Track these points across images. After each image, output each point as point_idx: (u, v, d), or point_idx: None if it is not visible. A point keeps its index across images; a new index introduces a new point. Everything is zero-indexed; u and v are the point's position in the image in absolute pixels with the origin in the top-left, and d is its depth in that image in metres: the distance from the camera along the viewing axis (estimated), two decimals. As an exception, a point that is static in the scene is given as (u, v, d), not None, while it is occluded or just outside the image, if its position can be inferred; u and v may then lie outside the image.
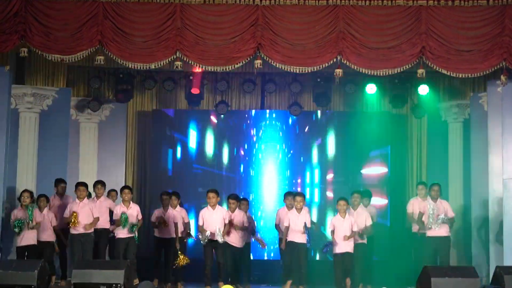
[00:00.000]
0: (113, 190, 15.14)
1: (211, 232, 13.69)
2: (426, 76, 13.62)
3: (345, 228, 13.65)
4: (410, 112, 17.22)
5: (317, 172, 17.20)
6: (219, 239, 13.66)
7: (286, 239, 13.83)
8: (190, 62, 13.25)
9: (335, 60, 13.18)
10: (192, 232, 15.45)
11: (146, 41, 13.19)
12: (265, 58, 13.18)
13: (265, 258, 16.60)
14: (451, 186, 16.31)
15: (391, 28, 13.18)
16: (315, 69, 13.33)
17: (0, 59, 13.77)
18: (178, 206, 14.77)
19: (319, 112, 17.38)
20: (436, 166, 16.75)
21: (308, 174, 17.23)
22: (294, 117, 17.10)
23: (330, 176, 17.21)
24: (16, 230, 13.53)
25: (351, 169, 17.19)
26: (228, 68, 13.38)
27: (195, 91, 16.57)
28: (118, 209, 13.97)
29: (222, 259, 13.82)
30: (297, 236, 13.74)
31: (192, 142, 17.22)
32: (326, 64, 13.24)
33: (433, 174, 16.56)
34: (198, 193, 16.93)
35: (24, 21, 12.98)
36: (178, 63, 13.21)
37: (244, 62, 13.27)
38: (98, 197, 14.32)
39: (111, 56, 13.19)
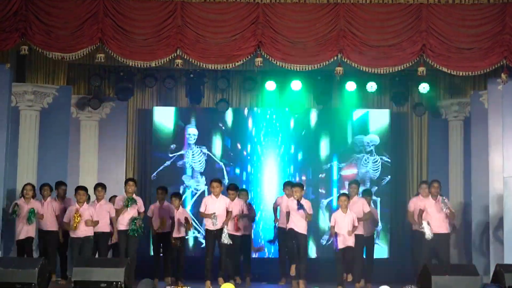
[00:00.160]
0: (115, 196, 15.13)
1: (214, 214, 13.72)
2: (427, 74, 13.65)
3: (346, 223, 13.66)
4: (411, 110, 17.21)
5: (317, 170, 17.19)
6: (226, 241, 13.65)
7: (287, 227, 13.84)
8: (190, 60, 13.25)
9: (335, 58, 13.18)
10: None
11: (147, 39, 13.20)
12: (265, 56, 13.19)
13: (266, 256, 16.58)
14: (452, 184, 16.32)
15: (392, 26, 13.18)
16: (316, 67, 13.32)
17: (0, 57, 13.79)
18: (180, 207, 14.77)
19: (319, 110, 17.36)
20: (437, 164, 16.76)
21: (308, 172, 17.21)
22: (295, 115, 17.09)
23: (330, 174, 17.21)
24: (15, 213, 13.59)
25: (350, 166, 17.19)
26: (229, 66, 13.39)
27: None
28: (121, 198, 13.95)
29: (225, 254, 13.81)
30: (297, 225, 13.73)
31: (193, 140, 17.20)
32: (327, 62, 13.25)
33: (434, 172, 16.57)
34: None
35: (25, 19, 12.98)
36: (179, 61, 13.21)
37: (244, 60, 13.27)
38: (98, 200, 14.20)
39: (112, 54, 13.20)
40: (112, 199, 14.79)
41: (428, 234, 13.47)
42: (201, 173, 17.19)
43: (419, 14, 13.07)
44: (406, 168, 17.34)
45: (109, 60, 13.67)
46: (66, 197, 14.70)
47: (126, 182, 14.20)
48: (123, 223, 13.84)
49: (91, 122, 16.86)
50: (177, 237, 14.58)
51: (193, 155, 17.18)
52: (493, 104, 14.40)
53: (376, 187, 16.84)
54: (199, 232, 16.65)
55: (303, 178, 17.05)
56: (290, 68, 13.33)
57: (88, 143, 16.74)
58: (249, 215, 14.96)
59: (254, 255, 15.71)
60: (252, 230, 15.45)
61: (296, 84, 16.59)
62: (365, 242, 14.34)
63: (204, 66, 13.42)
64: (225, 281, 13.38)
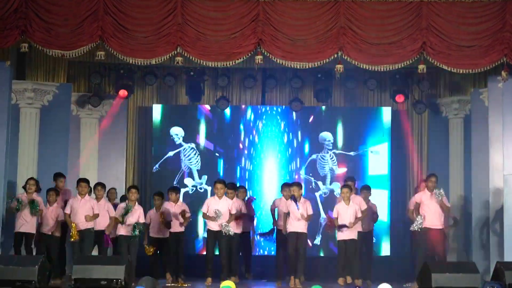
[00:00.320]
0: (113, 188, 15.12)
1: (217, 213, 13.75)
2: (427, 72, 13.66)
3: (349, 215, 13.71)
4: (411, 108, 17.21)
5: (317, 167, 17.18)
6: (226, 231, 13.68)
7: (287, 230, 13.86)
8: (191, 57, 13.25)
9: (336, 55, 13.18)
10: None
11: (147, 37, 13.19)
12: (266, 53, 13.18)
13: (265, 253, 16.58)
14: (452, 181, 16.32)
15: (392, 24, 13.18)
16: (316, 65, 13.32)
17: (1, 54, 13.79)
18: (179, 201, 14.76)
19: (319, 108, 17.36)
20: (437, 162, 16.75)
21: (308, 170, 17.21)
22: (295, 112, 17.10)
23: (330, 172, 17.20)
24: (18, 208, 13.56)
25: (351, 164, 17.17)
26: (229, 64, 13.37)
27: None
28: (123, 206, 13.93)
29: (226, 254, 13.81)
30: (297, 225, 13.77)
31: (193, 138, 17.20)
32: (327, 60, 13.24)
33: (434, 170, 16.54)
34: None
35: (25, 16, 12.97)
36: (179, 58, 13.21)
37: (245, 57, 13.27)
38: (98, 199, 14.19)
39: (112, 51, 13.19)
40: (110, 191, 14.86)
41: (415, 225, 13.48)
42: (200, 172, 17.18)
43: (419, 11, 13.06)
44: (406, 166, 17.34)
45: (109, 58, 13.67)
46: (64, 188, 14.70)
47: (128, 190, 14.18)
48: (123, 228, 13.81)
49: (91, 120, 16.85)
50: (176, 232, 14.54)
51: (185, 154, 17.15)
52: (493, 102, 14.41)
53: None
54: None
55: (296, 176, 17.05)
56: (290, 66, 13.32)
57: (88, 140, 16.74)
58: (248, 214, 14.98)
59: (255, 252, 15.74)
60: (252, 228, 15.45)
61: (296, 82, 16.62)
62: (363, 238, 14.34)
63: (204, 63, 13.41)
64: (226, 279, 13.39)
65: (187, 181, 17.07)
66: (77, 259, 12.55)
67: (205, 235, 15.22)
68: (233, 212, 14.01)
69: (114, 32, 13.09)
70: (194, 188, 17.04)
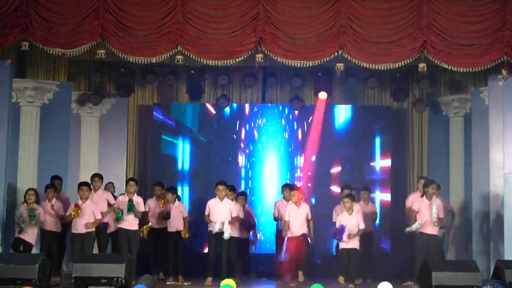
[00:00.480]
0: (110, 182, 15.13)
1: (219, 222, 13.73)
2: (427, 71, 13.65)
3: (351, 226, 13.69)
4: (411, 106, 17.21)
5: (318, 166, 17.19)
6: (226, 234, 13.69)
7: (287, 235, 13.89)
8: (191, 56, 13.25)
9: (336, 54, 13.17)
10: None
11: (147, 35, 13.17)
12: (266, 52, 13.17)
13: (266, 252, 16.58)
14: (452, 180, 16.32)
15: (392, 23, 13.16)
16: (316, 63, 13.31)
17: (1, 52, 13.76)
18: (176, 201, 14.76)
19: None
20: (437, 161, 16.76)
21: (308, 168, 17.22)
22: (295, 111, 17.11)
23: (332, 170, 17.21)
24: (21, 224, 13.53)
25: (352, 163, 17.18)
26: (229, 62, 13.36)
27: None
28: (121, 199, 13.96)
29: (227, 254, 13.82)
30: (297, 230, 13.81)
31: (193, 136, 17.21)
32: (328, 58, 13.23)
33: (434, 169, 16.59)
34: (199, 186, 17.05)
35: (26, 15, 12.95)
36: (180, 57, 13.19)
37: (245, 56, 13.25)
38: (95, 190, 14.27)
39: (112, 50, 13.18)
40: (108, 185, 14.93)
41: (413, 227, 13.50)
42: (200, 170, 17.20)
43: (419, 10, 13.05)
44: (407, 164, 17.34)
45: (110, 56, 13.64)
46: (62, 192, 14.68)
47: (127, 182, 14.21)
48: (124, 222, 13.82)
49: (91, 118, 16.86)
50: (173, 231, 14.55)
51: (189, 152, 17.20)
52: (493, 101, 14.41)
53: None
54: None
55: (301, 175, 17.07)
56: (291, 64, 13.31)
57: (88, 139, 16.75)
58: (248, 222, 14.99)
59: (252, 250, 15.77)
60: (250, 235, 15.43)
61: (296, 81, 16.63)
62: (363, 237, 14.34)
63: (204, 62, 13.40)
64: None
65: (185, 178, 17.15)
66: (78, 257, 12.57)
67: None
68: (234, 214, 14.00)
69: (115, 30, 13.08)
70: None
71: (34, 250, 13.80)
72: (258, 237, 15.97)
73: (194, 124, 17.29)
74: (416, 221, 13.65)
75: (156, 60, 13.32)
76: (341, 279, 13.75)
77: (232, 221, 13.92)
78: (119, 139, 16.89)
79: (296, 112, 17.19)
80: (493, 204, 14.44)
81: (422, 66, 13.24)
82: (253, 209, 15.91)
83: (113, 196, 14.62)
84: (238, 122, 17.36)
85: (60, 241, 14.31)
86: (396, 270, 15.29)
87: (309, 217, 14.00)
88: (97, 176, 14.46)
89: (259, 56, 13.18)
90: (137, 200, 13.92)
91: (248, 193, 16.21)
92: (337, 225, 13.84)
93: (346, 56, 13.14)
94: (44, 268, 12.11)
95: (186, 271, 14.89)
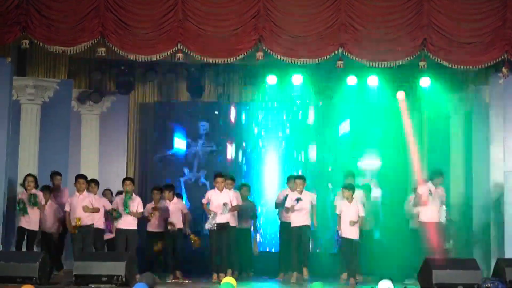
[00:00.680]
0: (108, 189, 15.10)
1: (216, 213, 13.71)
2: (428, 68, 13.63)
3: (351, 213, 13.77)
4: (412, 104, 17.19)
5: (318, 164, 17.20)
6: (224, 212, 13.70)
7: (291, 223, 13.92)
8: (191, 54, 13.24)
9: (337, 52, 13.16)
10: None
11: (148, 33, 13.17)
12: (266, 50, 13.16)
13: (266, 250, 16.57)
14: (453, 178, 16.30)
15: (393, 20, 13.16)
16: (317, 61, 13.30)
17: (1, 50, 13.75)
18: (175, 198, 14.75)
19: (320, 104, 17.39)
20: (438, 158, 16.75)
21: (308, 166, 17.23)
22: (295, 108, 17.11)
23: (331, 168, 17.23)
24: (21, 207, 13.54)
25: (352, 161, 17.19)
26: (230, 60, 13.36)
27: None
28: (119, 200, 13.99)
29: (227, 247, 13.80)
30: (299, 220, 13.81)
31: (193, 134, 17.21)
32: (328, 56, 13.22)
33: (435, 166, 16.56)
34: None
35: (26, 12, 12.95)
36: (180, 55, 13.19)
37: (245, 54, 13.25)
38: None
39: (113, 47, 13.18)
40: (105, 192, 14.95)
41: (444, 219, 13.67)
42: (201, 166, 17.20)
43: (420, 8, 13.04)
44: (407, 162, 17.32)
45: (110, 54, 13.65)
46: (62, 188, 14.69)
47: (123, 182, 14.21)
48: (121, 222, 13.86)
49: (92, 116, 16.88)
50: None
51: (190, 150, 17.20)
52: (494, 99, 14.42)
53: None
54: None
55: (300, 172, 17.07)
56: (291, 62, 13.30)
57: (89, 137, 16.76)
58: (247, 212, 15.01)
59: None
60: (252, 226, 15.41)
61: (297, 78, 16.60)
62: (363, 235, 14.36)
63: (205, 60, 13.40)
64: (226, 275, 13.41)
65: (186, 170, 17.13)
66: (78, 255, 12.57)
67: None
68: (234, 203, 13.99)
69: (115, 28, 13.07)
70: (191, 180, 17.07)
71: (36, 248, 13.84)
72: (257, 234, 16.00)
73: (195, 121, 17.26)
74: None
75: (156, 58, 13.32)
76: (344, 275, 13.74)
77: (233, 209, 13.88)
78: (120, 137, 16.91)
79: (295, 108, 17.18)
80: (494, 202, 14.43)
81: (422, 64, 13.25)
82: (255, 202, 15.89)
83: (110, 202, 14.55)
84: (238, 119, 17.35)
85: (59, 240, 14.31)
86: (396, 269, 15.26)
87: (313, 203, 13.97)
88: (94, 182, 14.40)
89: (259, 54, 13.18)
90: (135, 200, 13.95)
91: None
92: (336, 212, 13.99)
93: (346, 54, 13.13)
94: (45, 266, 12.12)
95: (186, 269, 14.91)
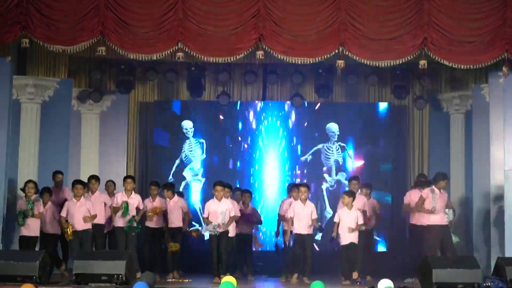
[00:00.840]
0: (110, 180, 15.09)
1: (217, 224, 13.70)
2: (428, 67, 13.62)
3: (350, 221, 13.69)
4: (412, 103, 17.20)
5: (322, 158, 17.19)
6: (209, 231, 13.67)
7: (291, 231, 13.87)
8: (192, 53, 13.23)
9: (337, 51, 13.15)
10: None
11: (148, 32, 13.16)
12: (266, 49, 13.15)
13: (267, 249, 16.57)
14: (453, 177, 16.31)
15: (393, 19, 13.15)
16: (317, 60, 13.29)
17: (1, 50, 13.75)
18: (175, 196, 14.73)
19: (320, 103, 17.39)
20: (438, 158, 16.76)
21: (309, 166, 17.22)
22: (296, 108, 17.10)
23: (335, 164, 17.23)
24: (20, 221, 13.51)
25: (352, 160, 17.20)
26: (230, 59, 13.36)
27: None
28: (119, 197, 13.98)
29: (226, 252, 13.78)
30: (303, 228, 13.80)
31: (193, 133, 17.19)
32: (328, 55, 13.21)
33: (435, 165, 16.58)
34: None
35: (26, 12, 12.94)
36: (180, 54, 13.18)
37: (246, 53, 13.23)
38: (92, 192, 14.25)
39: (113, 47, 13.17)
40: (108, 183, 14.86)
41: (450, 218, 13.68)
42: (199, 166, 17.20)
43: (420, 7, 13.03)
44: (407, 161, 17.34)
45: (110, 53, 13.66)
46: (63, 187, 14.68)
47: (124, 179, 14.22)
48: (121, 220, 13.87)
49: (92, 115, 16.88)
50: (172, 227, 14.56)
51: (189, 146, 17.16)
52: (494, 98, 14.41)
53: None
54: (200, 225, 16.67)
55: (304, 171, 17.06)
56: (291, 61, 13.29)
57: (89, 136, 16.75)
58: (253, 219, 14.99)
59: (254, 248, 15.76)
60: (253, 231, 15.38)
61: (297, 77, 16.62)
62: (364, 235, 14.34)
63: (205, 59, 13.39)
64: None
65: (186, 173, 17.09)
66: (78, 254, 12.55)
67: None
68: (232, 214, 13.92)
69: (115, 27, 13.06)
70: (198, 181, 17.07)
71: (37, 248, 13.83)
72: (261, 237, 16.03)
73: (195, 120, 17.26)
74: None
75: (156, 57, 13.32)
76: (347, 282, 13.71)
77: (229, 222, 13.83)
78: (120, 136, 16.91)
79: (297, 109, 17.16)
80: (494, 201, 14.44)
81: (422, 63, 13.24)
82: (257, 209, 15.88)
83: (112, 195, 14.55)
84: (238, 119, 17.34)
85: (62, 241, 14.30)
86: (396, 267, 15.26)
87: (314, 217, 13.95)
88: (94, 179, 14.39)
89: (259, 53, 13.17)
90: (136, 198, 13.98)
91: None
92: (335, 220, 13.90)
93: (346, 53, 13.12)
94: (45, 265, 12.11)
95: (185, 268, 14.92)
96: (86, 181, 14.36)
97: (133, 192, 14.02)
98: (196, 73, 16.77)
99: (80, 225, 13.52)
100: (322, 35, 13.14)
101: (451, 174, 16.31)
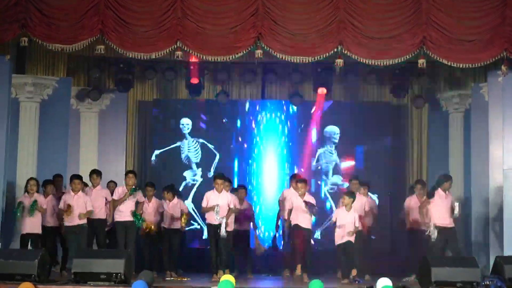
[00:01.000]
0: (112, 181, 15.10)
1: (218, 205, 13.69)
2: (427, 66, 13.63)
3: (348, 222, 13.65)
4: (411, 102, 17.21)
5: (322, 161, 17.19)
6: (223, 232, 13.62)
7: (291, 222, 13.87)
8: (190, 51, 13.23)
9: (336, 50, 13.15)
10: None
11: (147, 31, 13.16)
12: (265, 48, 13.15)
13: (266, 247, 16.56)
14: (452, 176, 16.26)
15: (392, 18, 13.15)
16: (316, 59, 13.29)
17: (0, 48, 13.74)
18: (175, 198, 14.73)
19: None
20: (437, 157, 16.77)
21: (307, 165, 17.22)
22: (295, 106, 17.11)
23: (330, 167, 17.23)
24: (19, 212, 13.52)
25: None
26: (229, 58, 13.35)
27: (194, 81, 16.62)
28: (121, 190, 14.01)
29: (226, 248, 13.77)
30: (302, 221, 13.78)
31: (192, 132, 17.20)
32: (327, 54, 13.21)
33: (434, 165, 16.59)
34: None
35: (25, 10, 12.93)
36: (179, 52, 13.18)
37: (244, 52, 13.24)
38: (94, 186, 14.30)
39: (112, 45, 13.17)
40: (109, 184, 14.85)
41: (434, 236, 13.51)
42: (198, 165, 17.20)
43: (419, 5, 13.03)
44: (406, 160, 17.34)
45: (109, 52, 13.65)
46: (64, 189, 14.67)
47: (126, 174, 14.28)
48: (121, 214, 13.89)
49: (91, 114, 16.87)
50: (170, 228, 14.56)
51: (188, 146, 17.18)
52: (493, 97, 14.41)
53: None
54: (199, 224, 16.67)
55: (302, 170, 17.05)
56: (290, 60, 13.29)
57: (88, 134, 16.75)
58: (247, 214, 14.98)
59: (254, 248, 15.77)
60: (250, 228, 15.39)
61: (296, 76, 16.64)
62: (362, 234, 14.35)
63: (204, 58, 13.39)
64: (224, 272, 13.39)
65: (186, 173, 17.09)
66: (77, 253, 12.56)
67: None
68: (231, 206, 13.94)
69: (115, 26, 13.06)
70: (195, 181, 17.05)
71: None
72: (258, 232, 16.00)
73: (194, 119, 17.26)
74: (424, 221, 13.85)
75: (155, 56, 13.32)
76: (346, 281, 13.71)
77: (229, 214, 13.83)
78: (119, 135, 16.91)
79: (295, 108, 17.16)
80: (493, 201, 14.44)
81: (421, 62, 13.24)
82: (252, 203, 15.87)
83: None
84: (237, 118, 17.35)
85: (62, 239, 14.31)
86: (394, 266, 15.27)
87: (314, 203, 13.94)
88: (95, 173, 14.43)
89: (258, 52, 13.16)
90: (138, 193, 14.05)
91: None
92: (333, 219, 13.92)
93: (345, 52, 13.12)
94: (44, 264, 12.10)
95: (184, 267, 14.93)
96: (87, 175, 14.42)
97: (134, 187, 14.05)
98: (195, 72, 16.74)
99: (76, 219, 13.56)
100: (321, 34, 13.14)
101: (450, 173, 16.28)
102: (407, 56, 13.19)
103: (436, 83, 16.89)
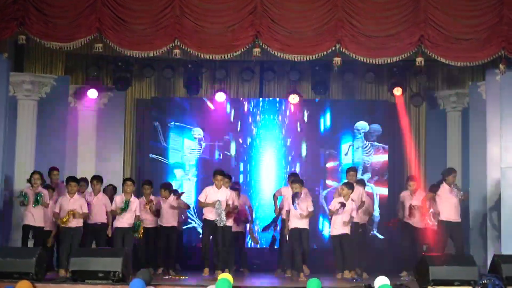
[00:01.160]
0: (110, 185, 15.08)
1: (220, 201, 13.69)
2: (425, 65, 13.63)
3: (345, 212, 13.68)
4: (409, 101, 17.21)
5: (315, 161, 17.20)
6: (221, 223, 13.62)
7: (289, 226, 13.86)
8: (188, 50, 13.22)
9: (334, 48, 13.14)
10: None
11: (145, 29, 13.14)
12: (263, 46, 13.14)
13: (262, 246, 16.56)
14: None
15: (390, 17, 13.14)
16: (314, 58, 13.29)
17: (-1, 46, 13.77)
18: (171, 196, 14.71)
19: (317, 100, 17.38)
20: (435, 155, 16.77)
21: (306, 163, 17.22)
22: (293, 105, 17.11)
23: (328, 165, 17.21)
24: (23, 198, 13.51)
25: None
26: (227, 56, 13.34)
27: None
28: (119, 199, 13.98)
29: (221, 245, 13.77)
30: (299, 222, 13.77)
31: (190, 131, 17.20)
32: (325, 53, 13.21)
33: (431, 163, 16.59)
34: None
35: (23, 8, 12.92)
36: (177, 51, 13.17)
37: (242, 50, 13.23)
38: (95, 193, 14.29)
39: (110, 44, 13.16)
40: (107, 188, 14.80)
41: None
42: (196, 164, 17.21)
43: (417, 4, 13.02)
44: (404, 159, 17.34)
45: (107, 50, 13.64)
46: (59, 182, 14.67)
47: (124, 182, 14.25)
48: (121, 221, 13.88)
49: (89, 112, 16.84)
50: (167, 226, 14.56)
51: (188, 146, 17.18)
52: (491, 95, 14.41)
53: (377, 177, 16.95)
54: (195, 222, 16.68)
55: (299, 170, 17.06)
56: (288, 58, 13.28)
57: (86, 132, 16.72)
58: (241, 216, 14.99)
59: (249, 245, 15.76)
60: (246, 229, 15.40)
61: (294, 74, 16.64)
62: (360, 233, 14.35)
63: (202, 56, 13.38)
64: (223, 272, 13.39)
65: (177, 172, 17.11)
66: (75, 251, 12.55)
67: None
68: (230, 202, 13.94)
69: (112, 24, 13.04)
70: (186, 179, 17.09)
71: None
72: (256, 229, 16.01)
73: (192, 118, 17.26)
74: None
75: (153, 54, 13.31)
76: (339, 275, 13.71)
77: (228, 209, 13.79)
78: (116, 133, 16.91)
79: (293, 106, 17.16)
80: (490, 198, 14.45)
81: (419, 60, 13.23)
82: (250, 202, 15.87)
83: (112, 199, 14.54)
84: (235, 116, 17.34)
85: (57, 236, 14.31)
86: (391, 263, 15.29)
87: (310, 209, 13.93)
88: (96, 179, 14.43)
89: (256, 50, 13.16)
90: (134, 201, 14.01)
91: (241, 187, 16.14)
92: (330, 207, 13.95)
93: (343, 50, 13.11)
94: (41, 262, 12.09)
95: (182, 264, 14.93)
96: (86, 179, 14.51)
97: (132, 195, 14.01)
98: (193, 70, 16.75)
99: (72, 222, 13.54)
100: (319, 32, 13.13)
101: (448, 171, 16.33)
102: (405, 55, 13.19)
103: (434, 81, 16.89)
